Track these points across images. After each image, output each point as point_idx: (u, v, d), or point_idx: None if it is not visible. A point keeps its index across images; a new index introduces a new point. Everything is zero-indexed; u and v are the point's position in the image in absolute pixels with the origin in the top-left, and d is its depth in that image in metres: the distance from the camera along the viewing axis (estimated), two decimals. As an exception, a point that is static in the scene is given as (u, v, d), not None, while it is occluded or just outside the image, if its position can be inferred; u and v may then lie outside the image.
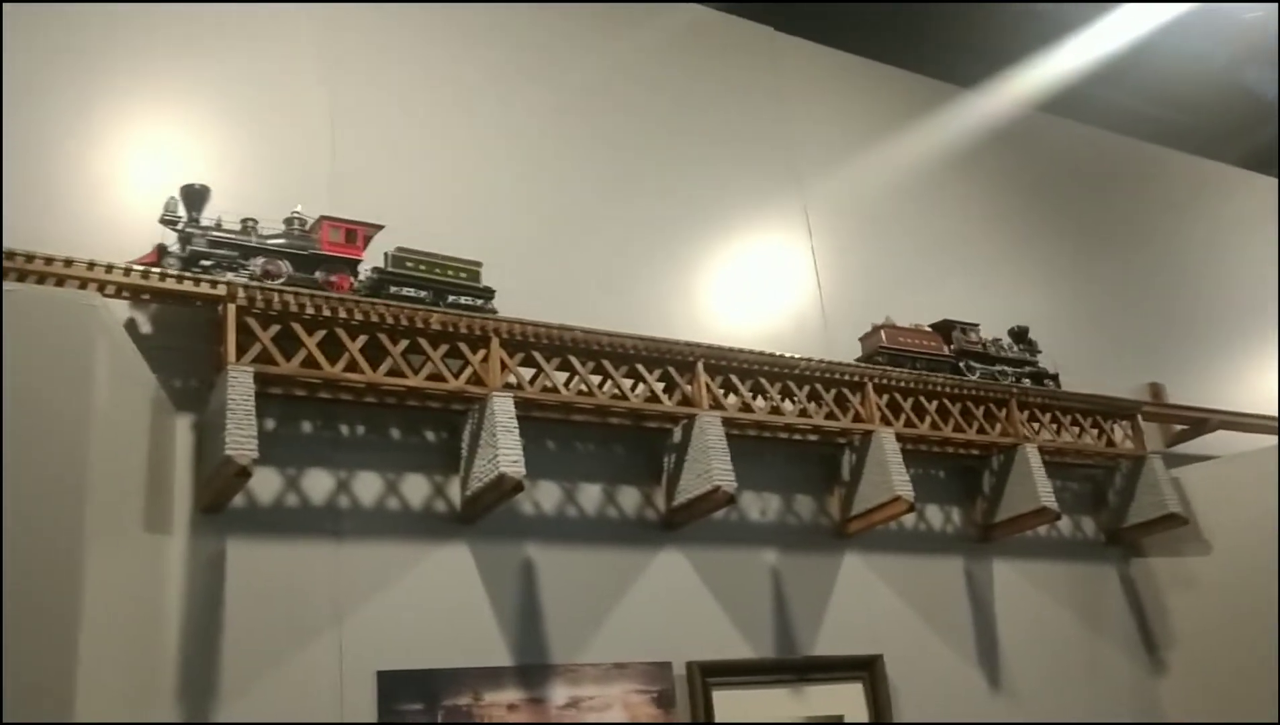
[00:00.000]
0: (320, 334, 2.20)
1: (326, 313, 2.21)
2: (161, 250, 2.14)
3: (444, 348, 2.34)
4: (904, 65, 3.84)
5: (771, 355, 2.74)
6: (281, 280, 2.21)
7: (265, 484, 2.20)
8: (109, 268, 2.01)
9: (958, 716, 2.88)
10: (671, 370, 2.60)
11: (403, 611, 2.27)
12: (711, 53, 3.39)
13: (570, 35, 3.12)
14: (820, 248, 3.30)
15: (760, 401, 2.74)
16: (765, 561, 2.77)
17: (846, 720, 2.67)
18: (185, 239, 2.16)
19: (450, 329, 2.34)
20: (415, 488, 2.39)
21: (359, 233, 2.33)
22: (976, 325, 3.21)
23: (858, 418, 2.84)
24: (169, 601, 2.04)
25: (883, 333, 3.04)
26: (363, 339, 2.25)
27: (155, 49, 2.45)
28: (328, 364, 2.20)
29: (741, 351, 2.69)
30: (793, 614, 2.75)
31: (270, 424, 2.24)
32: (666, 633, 2.55)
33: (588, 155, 3.01)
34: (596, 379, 2.53)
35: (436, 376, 2.32)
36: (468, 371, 2.35)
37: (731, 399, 2.72)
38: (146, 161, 2.33)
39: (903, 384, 2.93)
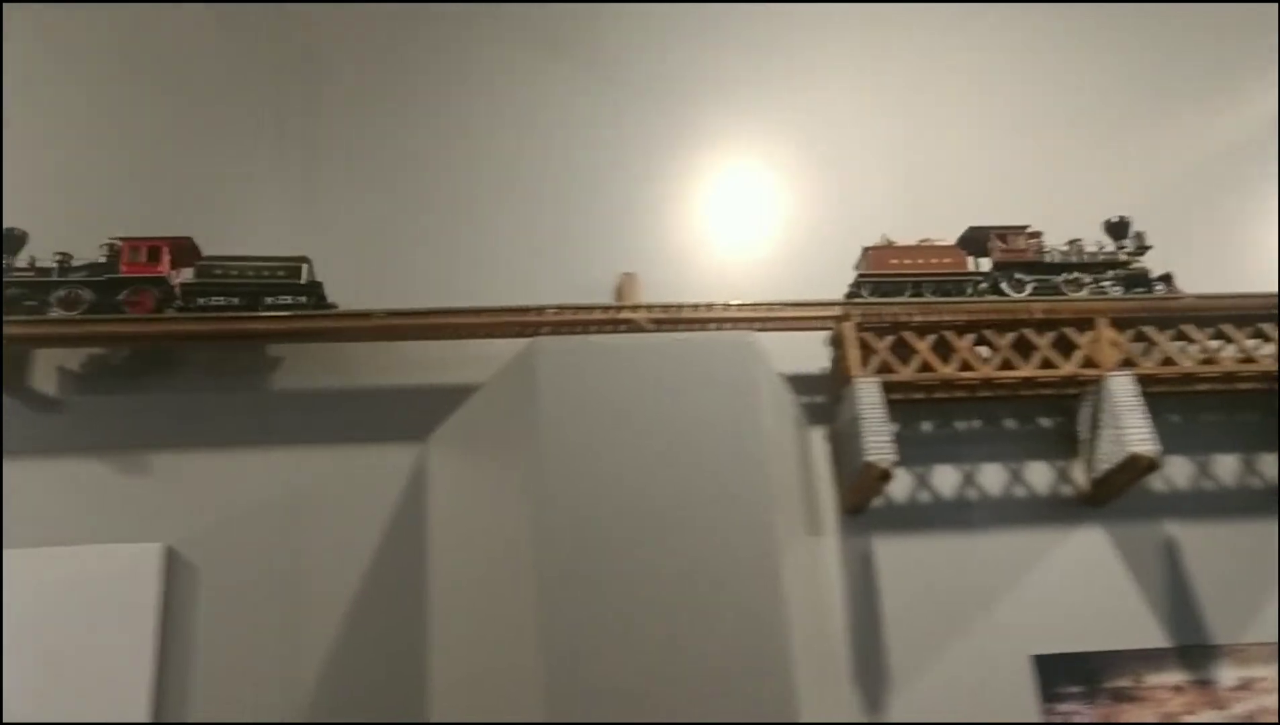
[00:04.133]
0: (931, 338, 2.34)
1: (932, 319, 2.34)
2: None
3: (1050, 335, 2.36)
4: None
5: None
6: (82, 308, 2.19)
7: (898, 483, 2.36)
8: (737, 305, 2.31)
9: None
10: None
11: (1047, 596, 2.31)
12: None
13: None
14: None
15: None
16: None
17: None
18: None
19: (1055, 316, 2.37)
20: (1037, 474, 2.43)
21: (162, 249, 2.25)
22: (1023, 228, 2.50)
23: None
24: (833, 597, 2.27)
25: (870, 255, 2.45)
26: (970, 337, 2.35)
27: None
28: (941, 365, 2.32)
29: None
30: None
31: (893, 428, 2.40)
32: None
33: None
34: (1215, 345, 2.41)
35: (1048, 363, 2.35)
36: (1078, 355, 2.35)
37: None
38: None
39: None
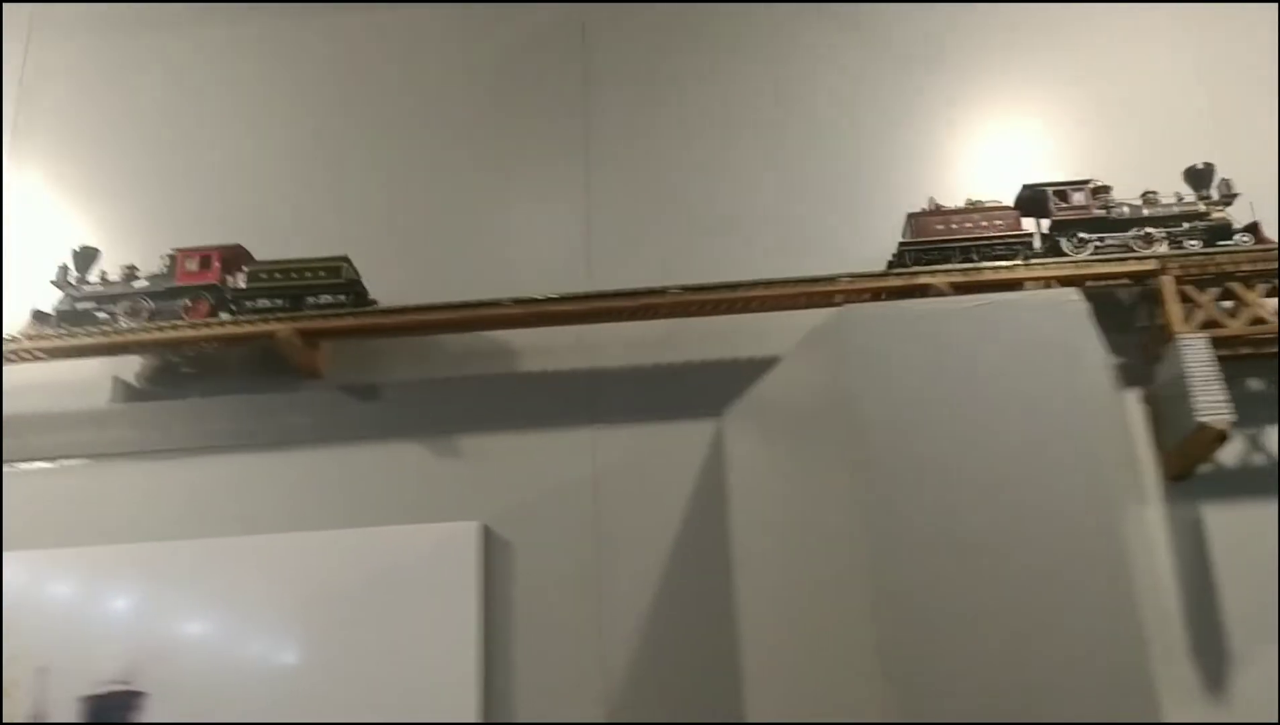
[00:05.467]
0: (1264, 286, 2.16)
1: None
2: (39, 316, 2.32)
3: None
4: None
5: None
6: (144, 316, 2.27)
7: (1226, 446, 2.18)
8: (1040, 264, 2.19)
9: None
10: None
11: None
12: None
13: None
14: None
15: None
16: None
17: None
18: (67, 298, 2.33)
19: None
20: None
21: (213, 257, 2.31)
22: (1086, 182, 2.25)
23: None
24: (1164, 571, 2.13)
25: (914, 221, 2.26)
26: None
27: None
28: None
29: None
30: None
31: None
32: None
33: None
34: None
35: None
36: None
37: None
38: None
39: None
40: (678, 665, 2.10)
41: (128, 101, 2.68)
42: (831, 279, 2.20)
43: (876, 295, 2.20)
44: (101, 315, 2.31)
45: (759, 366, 2.15)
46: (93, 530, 2.26)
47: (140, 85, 2.70)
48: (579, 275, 2.38)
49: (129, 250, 2.42)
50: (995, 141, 2.53)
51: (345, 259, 2.32)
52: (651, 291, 2.22)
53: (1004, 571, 1.67)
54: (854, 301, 2.15)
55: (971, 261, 2.23)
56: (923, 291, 2.17)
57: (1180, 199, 2.27)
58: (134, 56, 2.73)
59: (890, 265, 2.27)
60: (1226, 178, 2.27)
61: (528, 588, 2.18)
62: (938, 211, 2.30)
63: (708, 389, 2.26)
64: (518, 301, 2.23)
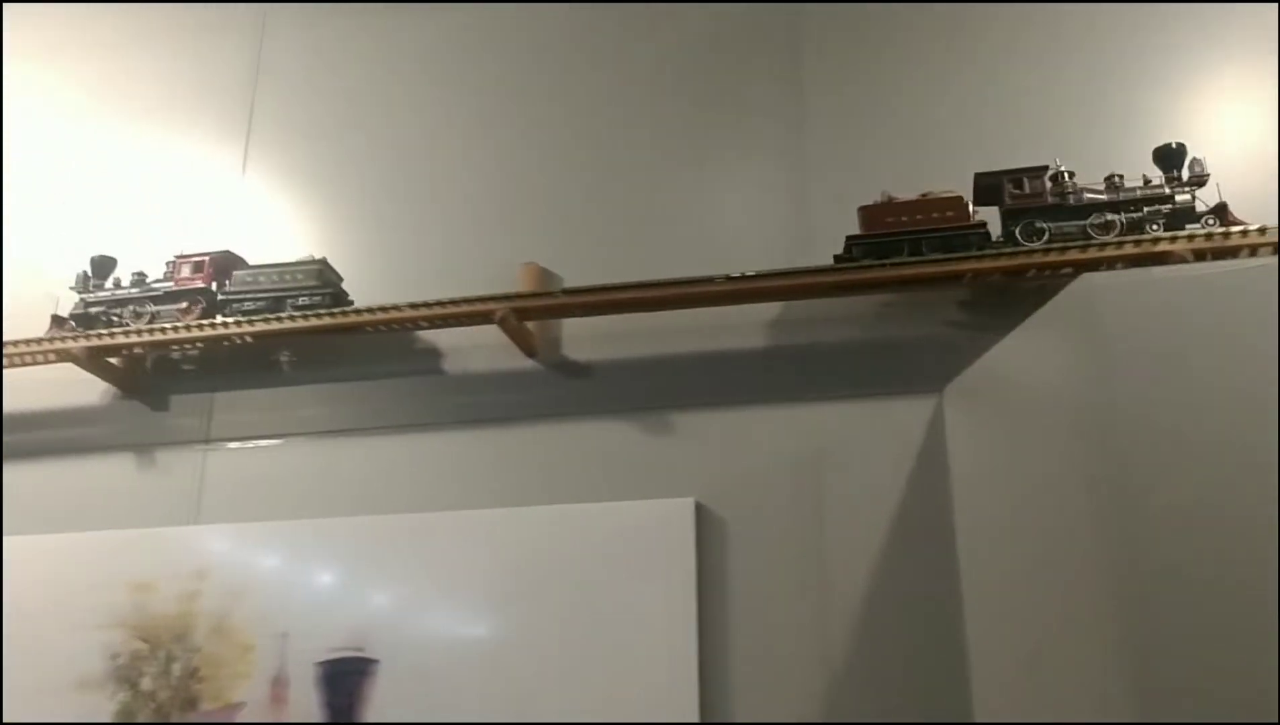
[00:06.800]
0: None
1: None
2: (56, 320, 2.46)
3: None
4: None
5: None
6: (146, 319, 2.40)
7: None
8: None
9: None
10: None
11: None
12: None
13: None
14: None
15: None
16: None
17: None
18: (81, 302, 2.48)
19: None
20: None
21: (204, 262, 2.42)
22: (1044, 168, 2.11)
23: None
24: None
25: (865, 214, 2.15)
26: None
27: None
28: None
29: None
30: None
31: None
32: None
33: None
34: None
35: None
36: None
37: None
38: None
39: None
40: (900, 656, 2.03)
41: (353, 94, 2.79)
42: (1061, 248, 2.08)
43: (1110, 264, 2.07)
44: (116, 318, 2.46)
45: (982, 340, 2.07)
46: (321, 504, 2.35)
47: (358, 81, 2.79)
48: (789, 249, 2.33)
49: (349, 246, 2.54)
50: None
51: (323, 261, 2.41)
52: (869, 265, 2.15)
53: (1272, 555, 1.53)
54: (1088, 271, 2.03)
55: (921, 254, 2.15)
56: (1157, 258, 2.03)
57: (1148, 182, 2.12)
58: (357, 52, 2.83)
59: (837, 259, 2.18)
60: (1198, 157, 2.10)
61: (743, 566, 2.14)
62: (888, 204, 2.21)
63: (927, 363, 2.18)
64: (730, 278, 2.19)
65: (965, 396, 2.08)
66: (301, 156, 2.73)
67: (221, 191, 2.74)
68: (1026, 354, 1.90)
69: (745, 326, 2.31)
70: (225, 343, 2.40)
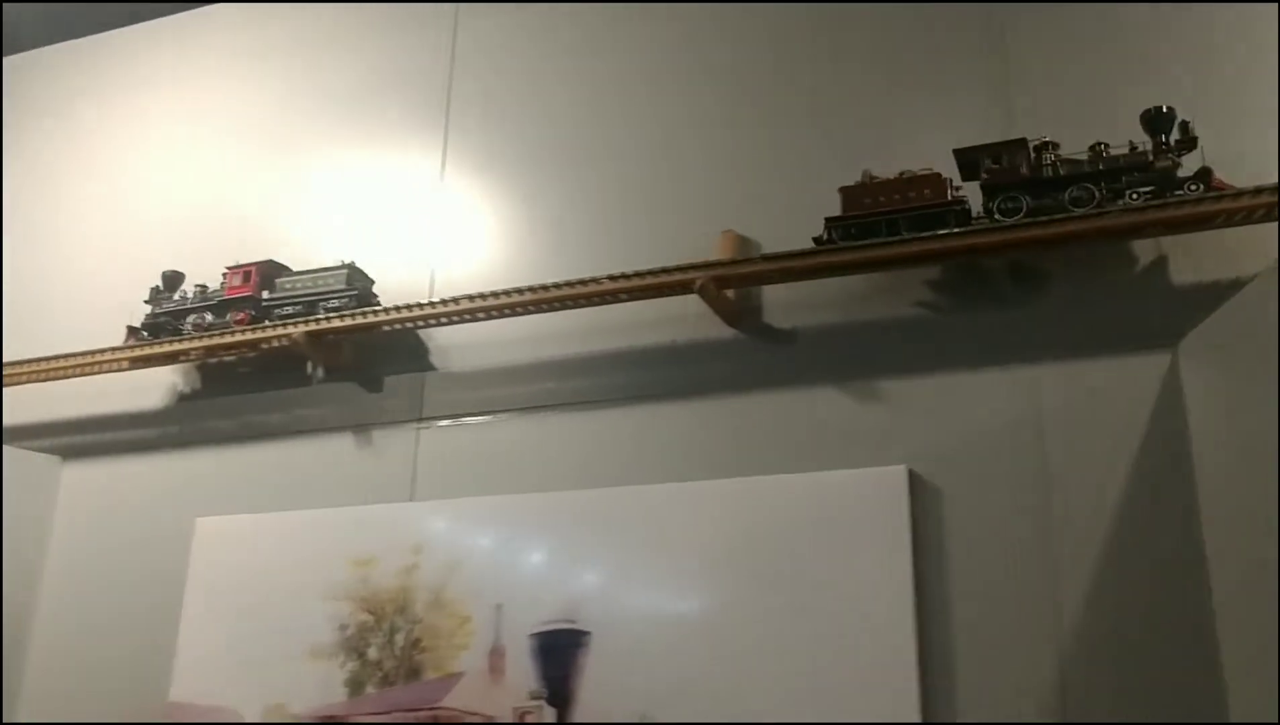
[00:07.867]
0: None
1: None
2: (131, 330, 2.67)
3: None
4: None
5: None
6: (204, 328, 2.60)
7: None
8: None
9: None
10: None
11: None
12: None
13: None
14: None
15: None
16: None
17: None
18: (151, 314, 2.68)
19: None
20: None
21: (251, 272, 2.58)
22: (1022, 141, 1.99)
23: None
24: None
25: (844, 196, 2.09)
26: None
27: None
28: None
29: None
30: None
31: None
32: None
33: None
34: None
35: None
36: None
37: None
38: None
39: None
40: (1137, 635, 1.88)
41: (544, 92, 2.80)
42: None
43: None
44: (183, 327, 2.64)
45: (1221, 290, 1.91)
46: (528, 479, 2.35)
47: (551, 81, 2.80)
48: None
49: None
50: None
51: (352, 265, 2.55)
52: (1098, 213, 2.00)
53: None
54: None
55: (899, 234, 2.10)
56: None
57: (1134, 148, 2.00)
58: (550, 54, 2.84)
59: (817, 242, 2.17)
60: (1186, 120, 1.96)
61: (962, 538, 2.05)
62: (867, 184, 2.17)
63: (1160, 317, 2.02)
64: (947, 234, 2.09)
65: (1204, 351, 1.92)
66: (499, 143, 2.73)
67: (421, 184, 2.79)
68: (1269, 303, 1.73)
69: (948, 286, 2.21)
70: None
